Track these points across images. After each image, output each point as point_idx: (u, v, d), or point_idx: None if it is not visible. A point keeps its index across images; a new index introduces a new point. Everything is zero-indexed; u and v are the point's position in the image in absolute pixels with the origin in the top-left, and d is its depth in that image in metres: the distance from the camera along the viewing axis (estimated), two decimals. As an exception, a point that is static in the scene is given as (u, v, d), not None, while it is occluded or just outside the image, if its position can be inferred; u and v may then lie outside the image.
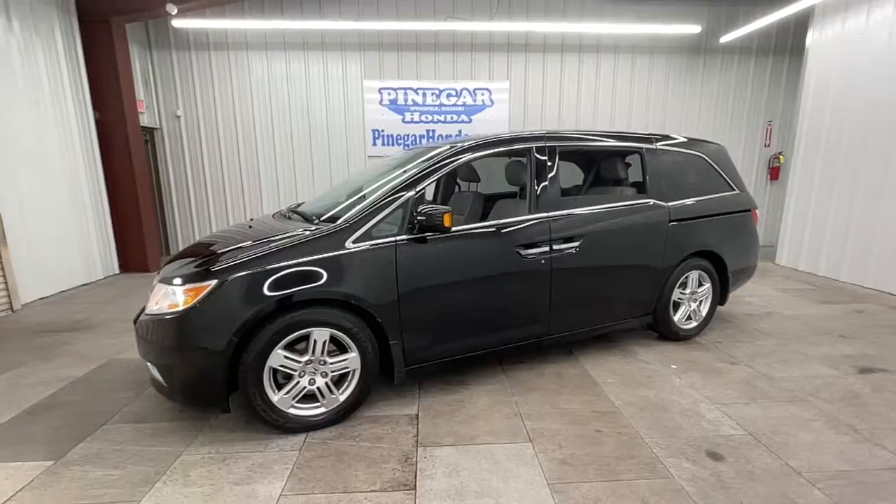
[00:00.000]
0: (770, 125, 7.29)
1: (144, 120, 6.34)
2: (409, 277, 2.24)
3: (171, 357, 1.98)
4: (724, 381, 2.67)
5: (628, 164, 3.29)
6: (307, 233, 2.19)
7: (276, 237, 2.18)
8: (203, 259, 2.14)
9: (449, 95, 6.82)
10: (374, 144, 6.90)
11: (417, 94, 6.78)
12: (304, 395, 2.15)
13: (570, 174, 3.64)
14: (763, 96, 7.20)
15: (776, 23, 6.56)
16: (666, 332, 3.24)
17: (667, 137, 3.22)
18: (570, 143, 2.86)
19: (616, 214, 2.85)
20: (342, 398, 2.22)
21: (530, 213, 2.61)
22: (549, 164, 2.70)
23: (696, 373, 2.79)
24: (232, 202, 7.01)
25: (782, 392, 2.54)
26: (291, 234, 2.19)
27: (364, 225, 2.21)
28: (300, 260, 2.08)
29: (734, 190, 3.46)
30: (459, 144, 2.56)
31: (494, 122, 6.94)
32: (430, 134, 6.93)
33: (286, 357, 2.06)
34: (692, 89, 7.11)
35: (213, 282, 1.98)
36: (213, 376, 1.96)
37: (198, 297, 1.96)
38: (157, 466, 1.93)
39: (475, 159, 2.56)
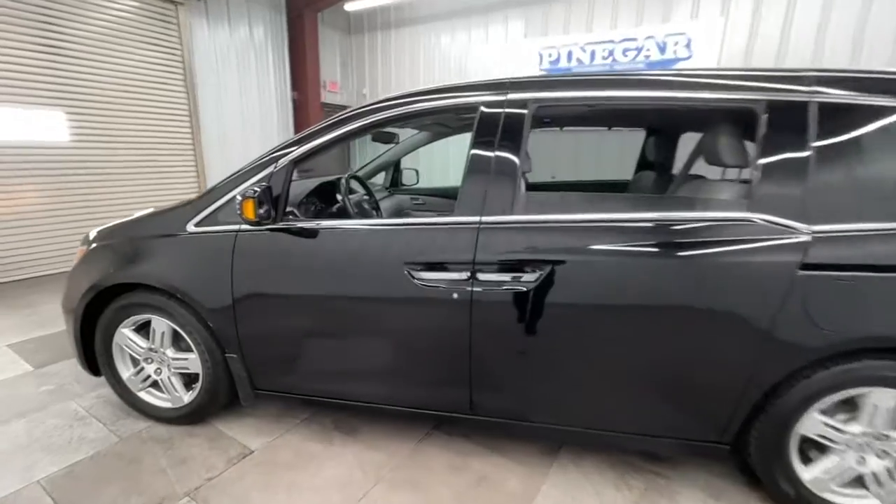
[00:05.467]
0: None
1: (338, 99, 7.35)
2: (248, 279, 1.71)
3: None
4: None
5: (748, 137, 1.62)
6: (170, 205, 1.95)
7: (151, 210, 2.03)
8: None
9: (626, 51, 5.18)
10: (529, 117, 5.99)
11: (584, 51, 5.42)
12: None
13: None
14: None
15: None
16: (774, 489, 1.55)
17: (851, 79, 1.41)
18: (565, 95, 1.57)
19: (641, 235, 1.45)
20: (186, 399, 1.95)
21: (458, 213, 1.59)
22: (497, 135, 1.55)
23: None
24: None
25: None
26: (160, 207, 2.00)
27: (211, 205, 1.79)
28: (137, 236, 1.88)
29: None
30: (358, 108, 1.75)
31: (690, 81, 4.90)
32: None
33: (129, 338, 1.93)
34: None
35: (89, 247, 2.00)
36: (74, 333, 1.99)
37: (79, 259, 2.02)
38: (57, 397, 2.20)
39: (371, 127, 1.70)
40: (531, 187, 1.68)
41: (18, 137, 3.93)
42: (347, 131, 1.70)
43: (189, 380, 1.96)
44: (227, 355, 1.81)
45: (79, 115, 4.32)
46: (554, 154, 4.92)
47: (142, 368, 1.96)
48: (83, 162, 4.40)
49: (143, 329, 1.94)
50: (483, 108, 1.60)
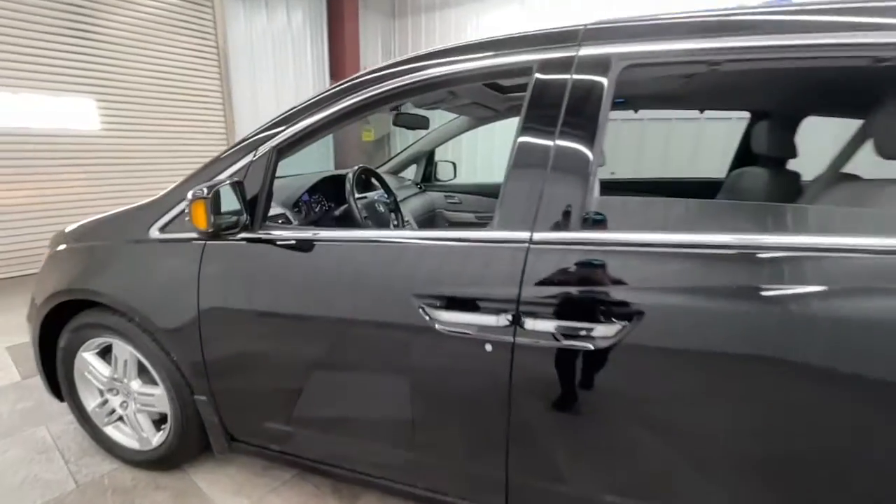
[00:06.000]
0: None
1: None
2: (217, 304, 1.30)
3: None
4: None
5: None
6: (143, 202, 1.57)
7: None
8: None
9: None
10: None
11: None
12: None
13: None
14: None
15: None
16: None
17: None
18: (679, 48, 0.99)
19: (803, 271, 0.87)
20: (154, 441, 1.58)
21: (497, 226, 1.08)
22: (561, 113, 1.02)
23: None
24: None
25: None
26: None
27: (178, 204, 1.39)
28: (98, 240, 1.53)
29: None
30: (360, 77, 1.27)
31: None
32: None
33: (90, 364, 1.59)
34: None
35: (54, 249, 1.67)
36: (34, 352, 1.68)
37: (43, 264, 1.70)
38: (29, 419, 1.93)
39: (375, 103, 1.22)
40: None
41: (47, 125, 3.82)
42: (345, 109, 1.23)
43: (160, 418, 1.60)
44: (195, 397, 1.42)
45: (109, 103, 4.18)
46: (608, 142, 4.26)
47: (106, 400, 1.63)
48: (113, 150, 4.27)
49: (109, 353, 1.59)
50: (539, 74, 1.07)
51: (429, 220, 2.69)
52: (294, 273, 1.23)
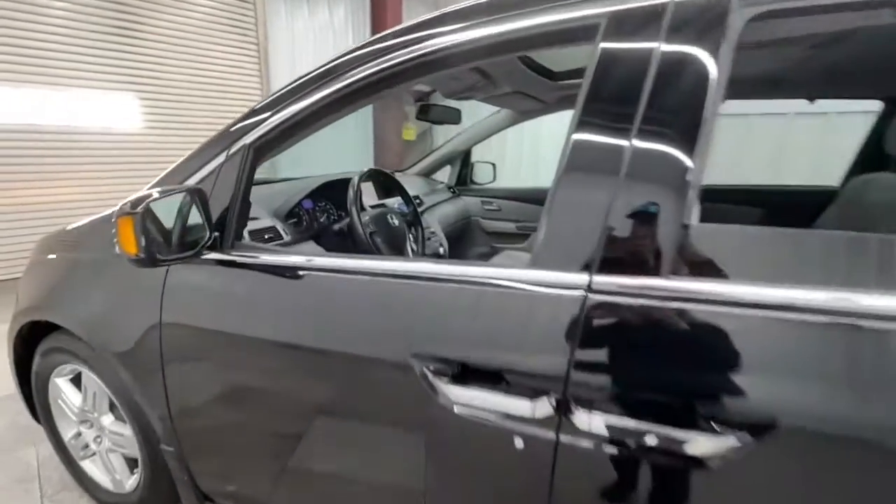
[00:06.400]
0: None
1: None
2: (183, 338, 1.04)
3: None
4: None
5: None
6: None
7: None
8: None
9: None
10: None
11: None
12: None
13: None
14: None
15: None
16: None
17: None
18: None
19: None
20: (128, 486, 1.37)
21: (537, 261, 0.72)
22: (642, 96, 0.64)
23: None
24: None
25: None
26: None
27: (146, 215, 1.15)
28: (70, 252, 1.32)
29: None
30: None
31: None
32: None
33: (63, 391, 1.40)
34: None
35: (41, 255, 1.50)
36: (11, 370, 1.52)
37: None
38: (20, 438, 1.84)
39: (374, 86, 0.89)
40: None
41: (88, 123, 3.86)
42: (344, 92, 0.92)
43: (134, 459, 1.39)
44: (162, 447, 1.18)
45: (150, 101, 4.19)
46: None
47: (80, 433, 1.43)
48: (151, 148, 4.28)
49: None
50: (606, 42, 0.70)
51: (461, 229, 2.36)
52: (266, 306, 0.94)
